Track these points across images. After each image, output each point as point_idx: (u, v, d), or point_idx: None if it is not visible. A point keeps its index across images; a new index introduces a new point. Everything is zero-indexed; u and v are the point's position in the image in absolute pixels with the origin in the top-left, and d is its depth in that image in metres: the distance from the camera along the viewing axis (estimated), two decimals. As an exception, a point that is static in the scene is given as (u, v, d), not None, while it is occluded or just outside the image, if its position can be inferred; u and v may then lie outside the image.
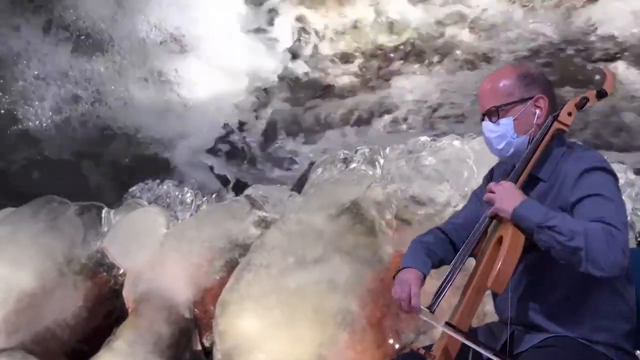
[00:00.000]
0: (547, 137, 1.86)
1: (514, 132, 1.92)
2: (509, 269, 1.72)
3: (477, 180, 2.78)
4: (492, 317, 2.15)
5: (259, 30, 7.16)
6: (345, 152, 3.99)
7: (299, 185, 4.33)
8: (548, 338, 1.84)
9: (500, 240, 1.78)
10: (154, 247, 3.77)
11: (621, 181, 2.89)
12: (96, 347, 3.50)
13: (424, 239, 2.13)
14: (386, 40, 6.80)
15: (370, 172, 3.70)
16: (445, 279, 1.86)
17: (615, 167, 2.03)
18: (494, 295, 2.02)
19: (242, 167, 6.21)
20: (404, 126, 6.09)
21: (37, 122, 6.54)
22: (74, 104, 6.64)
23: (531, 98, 1.92)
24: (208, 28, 7.00)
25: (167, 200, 4.32)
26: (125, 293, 3.76)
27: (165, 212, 4.05)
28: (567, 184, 1.81)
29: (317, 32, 7.12)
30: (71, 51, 6.87)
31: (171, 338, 3.48)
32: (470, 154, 3.41)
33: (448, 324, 1.80)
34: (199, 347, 3.59)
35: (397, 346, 3.04)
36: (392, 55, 6.72)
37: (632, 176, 3.31)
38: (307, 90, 6.70)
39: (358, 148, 3.98)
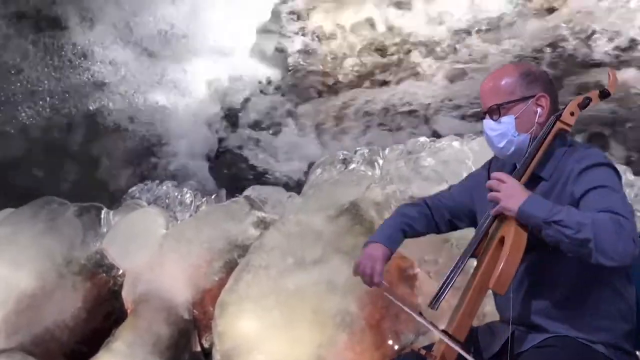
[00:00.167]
0: (550, 137, 1.86)
1: (515, 130, 1.91)
2: (512, 269, 1.72)
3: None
4: (492, 317, 2.15)
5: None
6: (345, 152, 3.99)
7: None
8: (548, 338, 1.84)
9: (502, 241, 1.77)
10: (153, 248, 3.76)
11: (621, 181, 2.88)
12: (95, 348, 3.50)
13: (408, 212, 2.16)
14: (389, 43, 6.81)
15: (370, 173, 3.70)
16: (446, 279, 1.85)
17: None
18: (495, 295, 2.01)
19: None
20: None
21: (36, 122, 6.54)
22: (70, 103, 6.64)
23: (533, 96, 1.92)
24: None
25: (167, 201, 4.32)
26: (124, 294, 3.76)
27: (164, 213, 4.05)
28: (570, 182, 1.81)
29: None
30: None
31: (170, 339, 3.47)
32: (469, 155, 3.41)
33: (445, 332, 1.79)
34: (198, 348, 3.58)
35: (396, 347, 3.03)
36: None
37: (631, 177, 3.31)
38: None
39: (357, 149, 3.98)
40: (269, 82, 6.80)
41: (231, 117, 6.64)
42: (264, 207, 3.94)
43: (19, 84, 6.69)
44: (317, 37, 7.11)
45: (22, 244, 3.85)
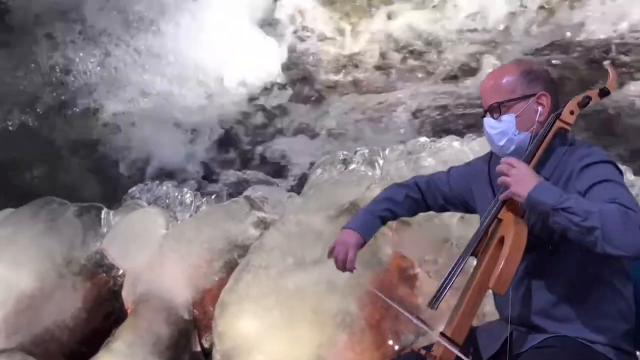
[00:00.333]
0: (550, 136, 1.86)
1: (516, 129, 1.91)
2: (512, 269, 1.72)
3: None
4: (492, 317, 2.15)
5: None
6: (345, 153, 4.00)
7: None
8: (548, 338, 1.84)
9: (502, 240, 1.77)
10: (153, 248, 3.76)
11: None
12: (95, 348, 3.50)
13: (393, 196, 2.21)
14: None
15: (370, 173, 3.70)
16: (445, 279, 1.85)
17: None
18: (495, 294, 2.01)
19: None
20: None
21: (35, 122, 6.54)
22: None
23: (533, 95, 1.92)
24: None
25: (167, 201, 4.31)
26: (124, 294, 3.76)
27: (164, 213, 4.04)
28: (572, 180, 1.81)
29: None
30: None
31: (170, 339, 3.47)
32: (469, 155, 3.40)
33: (442, 334, 1.79)
34: (198, 348, 3.58)
35: (396, 347, 3.03)
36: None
37: (631, 177, 3.31)
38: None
39: (357, 149, 3.98)
40: (272, 83, 6.80)
41: (232, 117, 6.63)
42: (264, 207, 3.94)
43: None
44: (319, 37, 7.11)
45: (22, 244, 3.84)
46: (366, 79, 6.67)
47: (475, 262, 1.89)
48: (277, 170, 5.98)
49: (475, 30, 6.69)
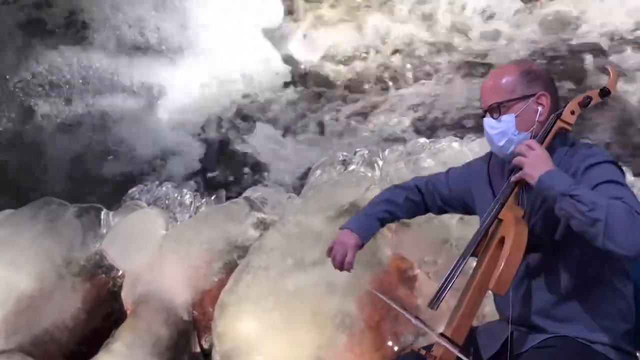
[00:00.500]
0: (550, 136, 1.86)
1: (515, 129, 1.91)
2: (512, 270, 1.72)
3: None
4: (492, 317, 2.15)
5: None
6: (344, 154, 3.99)
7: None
8: (548, 338, 1.84)
9: (502, 241, 1.77)
10: (153, 249, 3.76)
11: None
12: (95, 349, 3.50)
13: (393, 198, 2.21)
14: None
15: (369, 174, 3.69)
16: (445, 279, 1.85)
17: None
18: (495, 295, 2.01)
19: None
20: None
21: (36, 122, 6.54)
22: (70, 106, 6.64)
23: (533, 95, 1.92)
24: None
25: (166, 201, 4.31)
26: (123, 295, 3.76)
27: (164, 214, 4.04)
28: (576, 180, 1.80)
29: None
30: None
31: (170, 340, 3.47)
32: (469, 156, 3.40)
33: (442, 335, 1.79)
34: (198, 349, 3.58)
35: (395, 349, 3.03)
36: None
37: (631, 178, 3.31)
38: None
39: (357, 150, 3.98)
40: (273, 83, 6.80)
41: (233, 117, 6.63)
42: (264, 208, 3.94)
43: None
44: (319, 37, 7.12)
45: (21, 245, 3.84)
46: (366, 79, 6.68)
47: (475, 263, 1.88)
48: (276, 170, 5.99)
49: (475, 30, 6.69)
